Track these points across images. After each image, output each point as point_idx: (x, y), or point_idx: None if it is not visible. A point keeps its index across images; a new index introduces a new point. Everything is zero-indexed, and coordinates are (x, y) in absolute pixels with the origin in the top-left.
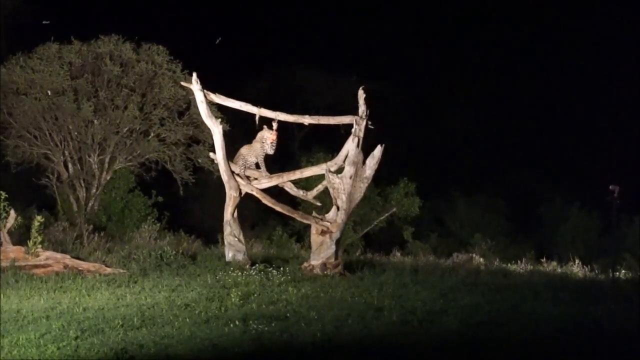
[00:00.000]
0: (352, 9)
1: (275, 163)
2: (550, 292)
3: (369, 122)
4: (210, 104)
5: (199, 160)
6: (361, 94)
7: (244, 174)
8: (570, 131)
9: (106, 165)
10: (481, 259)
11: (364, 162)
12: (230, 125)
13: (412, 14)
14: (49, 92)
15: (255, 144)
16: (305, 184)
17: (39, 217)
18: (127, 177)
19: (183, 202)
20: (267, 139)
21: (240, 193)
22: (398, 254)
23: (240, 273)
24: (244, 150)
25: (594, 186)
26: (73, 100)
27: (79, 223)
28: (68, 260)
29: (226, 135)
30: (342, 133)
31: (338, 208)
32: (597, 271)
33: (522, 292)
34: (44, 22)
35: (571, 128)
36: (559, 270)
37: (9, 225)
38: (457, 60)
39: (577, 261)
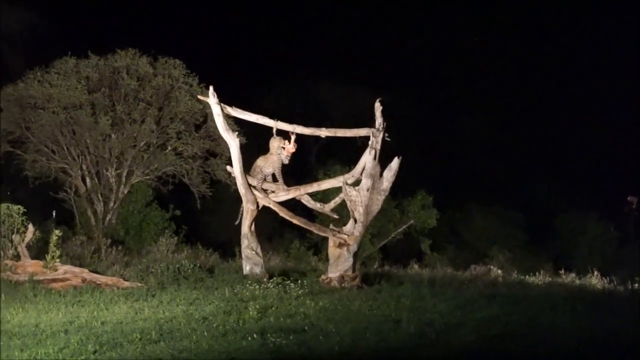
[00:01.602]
0: (368, 22)
1: (292, 176)
2: (568, 304)
3: (386, 135)
4: (227, 117)
5: (216, 174)
6: (378, 107)
7: (261, 187)
8: (587, 142)
9: (123, 179)
10: (499, 271)
11: (381, 175)
12: (247, 138)
13: (429, 25)
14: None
15: (272, 157)
16: (323, 196)
17: (57, 231)
18: (144, 191)
19: (200, 215)
20: (282, 151)
21: (258, 206)
22: (415, 266)
23: (257, 286)
24: (260, 161)
25: (612, 197)
26: (90, 115)
27: (96, 237)
28: (86, 274)
29: (243, 148)
30: (359, 145)
31: (355, 220)
32: (615, 283)
33: (540, 304)
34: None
35: (588, 139)
36: (578, 282)
37: (27, 239)
38: (474, 73)
39: (595, 273)
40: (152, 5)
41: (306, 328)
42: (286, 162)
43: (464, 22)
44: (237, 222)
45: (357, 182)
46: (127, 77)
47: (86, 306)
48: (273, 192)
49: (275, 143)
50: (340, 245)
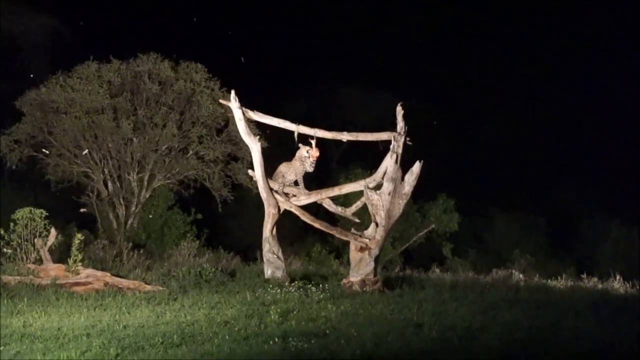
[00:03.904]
0: (389, 27)
1: (313, 180)
2: (591, 309)
3: (407, 139)
4: (249, 122)
5: (238, 178)
6: (399, 111)
7: (283, 191)
8: (610, 146)
9: (145, 183)
10: (521, 275)
11: (402, 179)
12: (269, 142)
13: (450, 31)
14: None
15: (295, 163)
16: (344, 200)
17: (79, 235)
18: (166, 195)
19: (222, 219)
20: (307, 157)
21: (279, 210)
22: (437, 270)
23: (279, 290)
24: (283, 167)
25: (635, 201)
26: (112, 119)
27: (118, 241)
28: (108, 277)
29: (265, 152)
30: (381, 149)
31: (377, 224)
32: (638, 287)
33: (563, 308)
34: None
35: (612, 143)
36: (600, 286)
37: (49, 243)
38: (495, 76)
39: (618, 277)
40: (174, 9)
41: (328, 332)
42: (311, 170)
43: (486, 28)
44: None
45: (378, 186)
46: (149, 82)
47: (108, 310)
48: (294, 196)
49: (301, 152)
50: (361, 249)
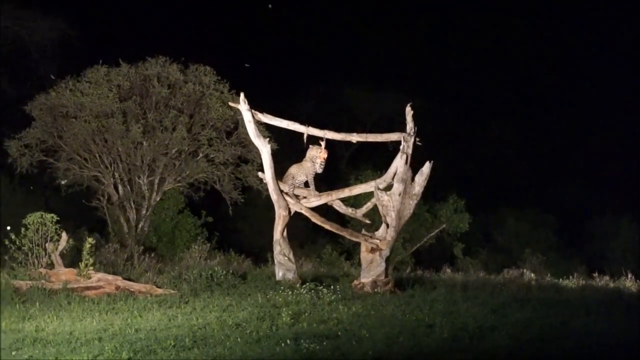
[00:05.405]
0: (398, 27)
1: (323, 181)
2: (602, 308)
3: (417, 139)
4: (258, 124)
5: (248, 180)
6: (409, 111)
7: (293, 193)
8: (620, 144)
9: (156, 187)
10: (532, 274)
11: (412, 179)
12: (278, 144)
13: (458, 30)
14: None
15: (306, 163)
16: (354, 201)
17: (90, 239)
18: (176, 198)
19: (232, 221)
20: (317, 158)
21: (290, 212)
22: (448, 271)
23: (290, 292)
24: (294, 169)
25: None
26: (122, 123)
27: (129, 244)
28: (119, 281)
29: (274, 154)
30: (390, 150)
31: (387, 225)
32: None
33: (574, 307)
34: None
35: (621, 141)
36: (612, 285)
37: (60, 247)
38: (504, 75)
39: (629, 275)
40: (182, 12)
41: (339, 333)
42: (320, 171)
43: (494, 27)
44: None
45: (388, 187)
46: (158, 85)
47: (120, 313)
48: (305, 197)
49: (311, 152)
50: (372, 250)
